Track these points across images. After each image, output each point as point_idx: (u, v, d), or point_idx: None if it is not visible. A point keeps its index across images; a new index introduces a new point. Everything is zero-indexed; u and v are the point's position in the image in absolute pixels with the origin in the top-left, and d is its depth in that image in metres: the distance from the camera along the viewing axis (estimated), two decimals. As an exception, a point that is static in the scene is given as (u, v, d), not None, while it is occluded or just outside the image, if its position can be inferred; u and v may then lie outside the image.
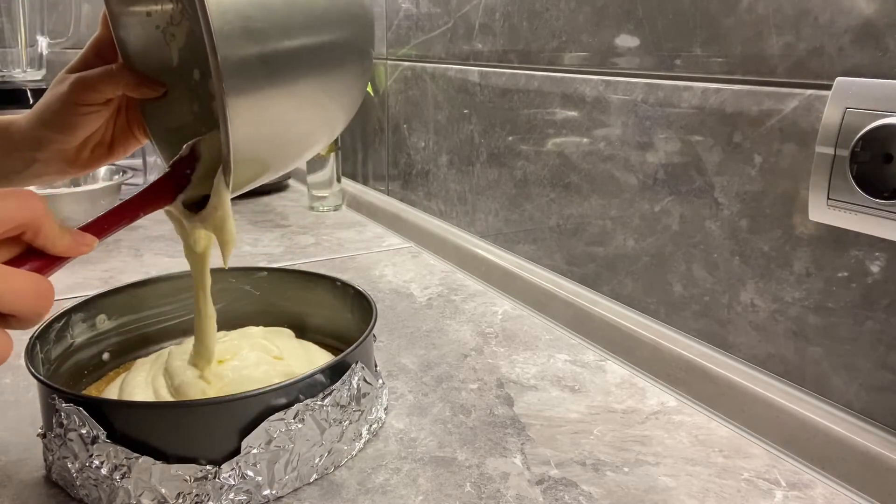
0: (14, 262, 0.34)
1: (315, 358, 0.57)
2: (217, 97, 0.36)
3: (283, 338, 0.60)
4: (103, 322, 0.57)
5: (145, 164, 1.28)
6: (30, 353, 0.46)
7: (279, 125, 0.40)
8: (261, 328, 0.61)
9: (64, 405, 0.42)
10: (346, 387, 0.47)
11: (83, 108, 0.45)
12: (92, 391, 0.55)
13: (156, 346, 0.60)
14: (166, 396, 0.50)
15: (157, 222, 1.07)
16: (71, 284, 0.80)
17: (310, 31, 0.39)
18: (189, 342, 0.54)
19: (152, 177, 1.29)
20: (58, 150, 0.47)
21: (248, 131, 0.37)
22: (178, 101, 0.51)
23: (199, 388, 0.50)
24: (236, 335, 0.58)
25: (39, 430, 0.46)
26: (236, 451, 0.42)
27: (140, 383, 0.52)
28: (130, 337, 0.60)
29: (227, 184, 0.40)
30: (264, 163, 0.42)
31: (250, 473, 0.42)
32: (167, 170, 0.45)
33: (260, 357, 0.54)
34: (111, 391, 0.53)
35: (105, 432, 0.41)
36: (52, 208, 0.91)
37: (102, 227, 0.40)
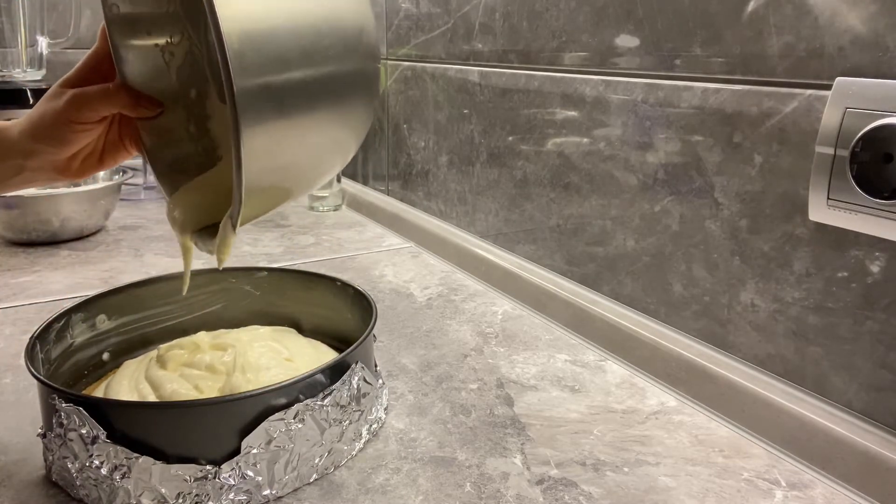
0: None
1: (324, 357, 0.57)
2: (232, 130, 0.35)
3: (291, 337, 0.60)
4: (103, 322, 0.57)
5: (146, 164, 1.28)
6: (30, 353, 0.46)
7: (287, 156, 0.40)
8: (268, 328, 0.61)
9: (64, 405, 0.42)
10: (346, 387, 0.47)
11: (77, 126, 0.45)
12: (92, 391, 0.55)
13: (155, 347, 0.60)
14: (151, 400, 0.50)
15: (157, 222, 1.07)
16: (71, 284, 0.80)
17: (319, 64, 0.39)
18: (172, 343, 0.55)
19: (152, 177, 1.29)
20: (48, 160, 0.47)
21: (260, 164, 0.37)
22: (173, 118, 0.51)
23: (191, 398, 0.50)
24: (244, 334, 0.58)
25: (39, 430, 0.46)
26: (236, 451, 0.42)
27: (124, 388, 0.51)
28: (130, 337, 0.60)
29: (234, 225, 0.40)
30: (273, 196, 0.42)
31: (250, 473, 0.42)
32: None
33: (270, 360, 0.54)
34: (97, 394, 0.53)
35: (105, 432, 0.41)
36: (52, 208, 0.91)
37: None
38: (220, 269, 0.47)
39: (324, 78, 0.39)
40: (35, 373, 0.44)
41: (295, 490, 0.45)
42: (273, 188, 0.41)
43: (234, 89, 0.34)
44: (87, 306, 0.56)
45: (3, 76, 1.28)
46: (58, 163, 0.47)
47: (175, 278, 0.62)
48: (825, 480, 0.47)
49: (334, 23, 0.39)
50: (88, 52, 0.49)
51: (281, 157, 0.39)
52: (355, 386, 0.48)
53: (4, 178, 0.47)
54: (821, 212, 0.47)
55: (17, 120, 0.47)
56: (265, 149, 0.37)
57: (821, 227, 0.49)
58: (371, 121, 0.45)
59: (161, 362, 0.53)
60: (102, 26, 0.48)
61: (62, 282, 0.81)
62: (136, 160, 1.35)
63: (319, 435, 0.45)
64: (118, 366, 0.58)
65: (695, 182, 0.58)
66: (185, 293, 0.54)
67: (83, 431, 0.41)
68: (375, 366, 0.55)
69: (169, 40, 0.50)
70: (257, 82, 0.35)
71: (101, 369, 0.57)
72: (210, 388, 0.50)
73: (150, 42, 0.50)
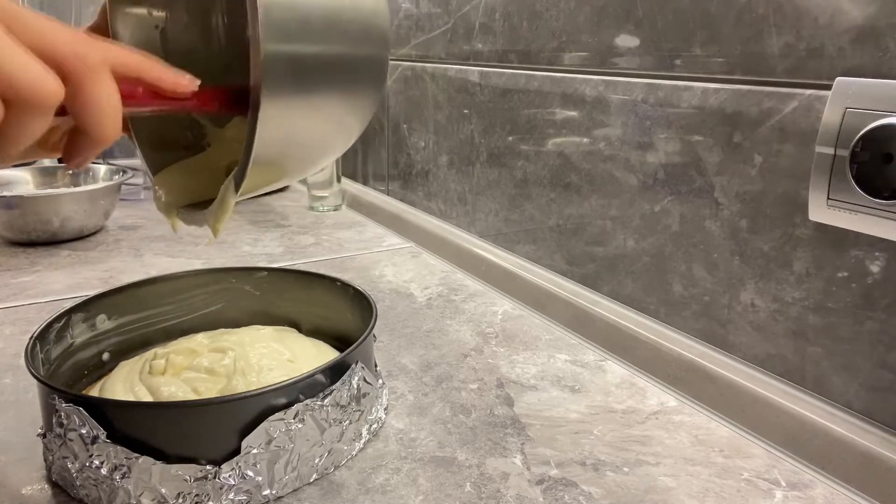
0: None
1: (327, 357, 0.57)
2: (252, 93, 0.35)
3: (293, 338, 0.60)
4: (103, 322, 0.57)
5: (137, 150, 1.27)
6: (30, 353, 0.46)
7: (299, 131, 0.40)
8: (270, 328, 0.61)
9: (64, 405, 0.42)
10: (346, 387, 0.47)
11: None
12: (92, 391, 0.55)
13: (155, 347, 0.60)
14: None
15: (158, 222, 1.07)
16: (71, 284, 0.80)
17: (339, 41, 0.39)
18: (169, 348, 0.54)
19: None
20: None
21: (273, 134, 0.37)
22: None
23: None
24: (245, 335, 0.58)
25: (39, 430, 0.46)
26: (236, 451, 0.42)
27: (118, 391, 0.51)
28: (130, 337, 0.60)
29: (237, 187, 0.40)
30: (275, 170, 0.42)
31: (250, 473, 0.42)
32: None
33: (272, 361, 0.53)
34: (95, 394, 0.53)
35: (105, 432, 0.41)
36: (52, 208, 0.91)
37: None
38: (216, 238, 0.47)
39: (341, 57, 0.39)
40: (35, 373, 0.44)
41: (295, 490, 0.45)
42: (277, 160, 0.41)
43: (260, 49, 0.34)
44: (87, 306, 0.56)
45: (3, 76, 1.28)
46: None
47: (175, 278, 0.62)
48: (825, 480, 0.47)
49: (355, 4, 0.39)
50: (84, 29, 0.49)
51: (290, 129, 0.39)
52: (355, 386, 0.48)
53: None
54: (821, 212, 0.47)
55: None
56: (277, 117, 0.37)
57: (821, 227, 0.49)
58: (375, 109, 0.45)
59: (157, 368, 0.53)
60: (104, 4, 0.48)
61: (62, 282, 0.81)
62: (136, 160, 1.35)
63: (319, 435, 0.45)
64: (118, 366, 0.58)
65: (695, 182, 0.58)
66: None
67: (83, 431, 0.41)
68: (375, 366, 0.55)
69: (166, 18, 0.50)
70: (281, 47, 0.35)
71: (101, 369, 0.57)
72: (209, 391, 0.50)
73: (149, 20, 0.50)
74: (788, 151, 0.50)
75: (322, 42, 0.38)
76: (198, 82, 0.38)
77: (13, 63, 0.28)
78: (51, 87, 0.30)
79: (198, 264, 0.85)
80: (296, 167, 0.44)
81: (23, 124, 0.30)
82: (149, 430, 0.42)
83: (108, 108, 0.32)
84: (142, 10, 0.49)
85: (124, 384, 0.52)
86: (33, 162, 1.13)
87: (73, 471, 0.43)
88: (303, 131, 0.40)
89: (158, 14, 0.50)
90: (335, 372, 0.47)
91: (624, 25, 0.63)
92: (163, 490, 0.41)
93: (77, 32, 0.32)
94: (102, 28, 0.49)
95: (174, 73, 0.37)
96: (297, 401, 0.44)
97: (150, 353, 0.56)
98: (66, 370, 0.54)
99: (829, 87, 0.46)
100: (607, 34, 0.65)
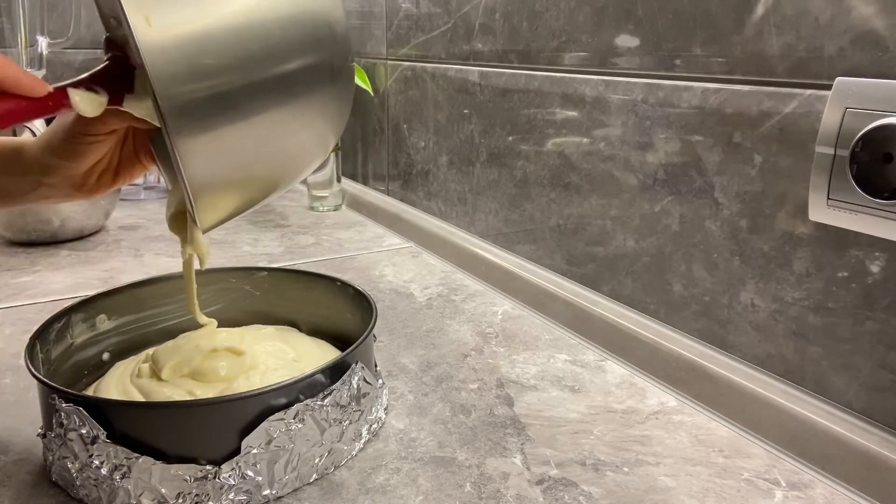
0: None
1: (330, 357, 0.57)
2: (166, 140, 0.35)
3: (295, 337, 0.60)
4: (103, 322, 0.57)
5: (161, 171, 1.28)
6: (30, 353, 0.46)
7: (245, 158, 0.39)
8: (271, 327, 0.61)
9: (64, 405, 0.42)
10: (346, 387, 0.47)
11: (88, 138, 0.46)
12: (92, 391, 0.55)
13: (155, 347, 0.60)
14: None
15: (157, 222, 1.07)
16: (71, 284, 0.80)
17: (266, 63, 0.37)
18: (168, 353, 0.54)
19: (152, 177, 1.29)
20: (65, 175, 0.47)
21: (207, 169, 0.37)
22: None
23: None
24: (247, 334, 0.57)
25: (39, 430, 0.46)
26: (236, 451, 0.42)
27: (112, 393, 0.51)
28: (130, 337, 0.60)
29: (196, 222, 0.40)
30: (240, 194, 0.41)
31: (250, 473, 0.42)
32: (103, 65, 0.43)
33: (276, 361, 0.53)
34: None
35: (105, 432, 0.41)
36: (52, 208, 0.91)
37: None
38: (202, 266, 0.47)
39: (269, 78, 0.37)
40: (35, 373, 0.44)
41: (295, 490, 0.45)
42: (240, 185, 0.40)
43: (158, 100, 0.34)
44: (87, 306, 0.56)
45: (3, 76, 1.28)
46: (74, 178, 0.48)
47: (175, 278, 0.62)
48: (825, 480, 0.47)
49: (268, 20, 0.37)
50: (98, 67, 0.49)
51: (235, 157, 0.38)
52: (355, 386, 0.48)
53: (23, 193, 0.48)
54: (821, 212, 0.47)
55: (36, 137, 0.48)
56: (211, 152, 0.36)
57: (821, 227, 0.49)
58: (346, 111, 0.43)
59: (155, 371, 0.52)
60: (106, 36, 0.48)
61: (62, 282, 0.81)
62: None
63: (319, 435, 0.45)
64: (118, 366, 0.58)
65: (695, 182, 0.58)
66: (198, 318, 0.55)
67: (83, 431, 0.41)
68: (375, 366, 0.55)
69: None
70: (190, 89, 0.35)
71: (101, 369, 0.57)
72: (207, 392, 0.50)
73: None
74: (788, 151, 0.50)
75: (241, 71, 0.36)
76: (50, 88, 0.39)
77: None
78: None
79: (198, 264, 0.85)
80: (264, 187, 0.43)
81: None
82: (149, 430, 0.42)
83: None
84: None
85: (118, 386, 0.52)
86: None
87: (73, 471, 0.43)
88: (249, 155, 0.39)
89: None
90: (335, 372, 0.47)
91: (624, 25, 0.63)
92: (163, 490, 0.41)
93: None
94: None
95: (30, 77, 0.38)
96: (297, 401, 0.44)
97: (143, 355, 0.55)
98: (66, 370, 0.54)
99: (829, 87, 0.46)
100: (607, 34, 0.65)
